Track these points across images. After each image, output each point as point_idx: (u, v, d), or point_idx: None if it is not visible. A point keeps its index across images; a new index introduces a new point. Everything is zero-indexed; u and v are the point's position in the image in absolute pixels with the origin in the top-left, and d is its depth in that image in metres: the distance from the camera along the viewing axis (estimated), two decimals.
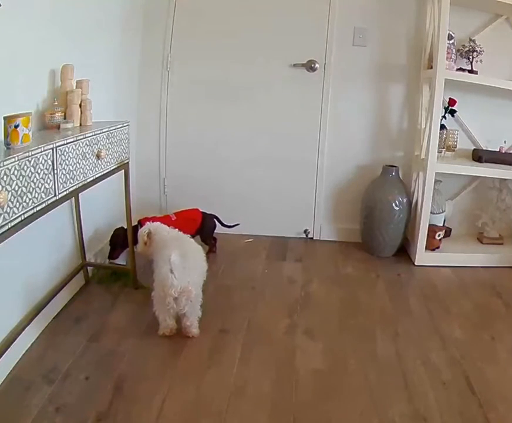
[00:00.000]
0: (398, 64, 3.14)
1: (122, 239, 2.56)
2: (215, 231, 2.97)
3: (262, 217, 3.33)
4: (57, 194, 1.64)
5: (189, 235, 2.29)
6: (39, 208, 1.52)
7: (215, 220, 2.94)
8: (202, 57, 3.16)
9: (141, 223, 2.57)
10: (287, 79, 3.16)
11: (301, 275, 2.79)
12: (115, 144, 2.13)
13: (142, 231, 2.23)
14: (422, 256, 2.97)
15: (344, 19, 3.08)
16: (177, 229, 2.30)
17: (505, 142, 3.11)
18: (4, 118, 1.46)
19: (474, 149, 3.14)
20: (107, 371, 1.84)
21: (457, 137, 3.08)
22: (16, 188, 1.38)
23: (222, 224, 2.99)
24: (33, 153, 1.47)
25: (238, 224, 3.07)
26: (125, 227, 2.52)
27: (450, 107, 3.00)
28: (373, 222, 3.05)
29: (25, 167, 1.43)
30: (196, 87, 3.20)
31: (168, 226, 2.30)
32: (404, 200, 3.00)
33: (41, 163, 1.52)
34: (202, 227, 2.86)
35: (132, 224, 2.46)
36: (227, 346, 2.04)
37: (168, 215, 2.77)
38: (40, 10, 1.89)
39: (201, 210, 2.87)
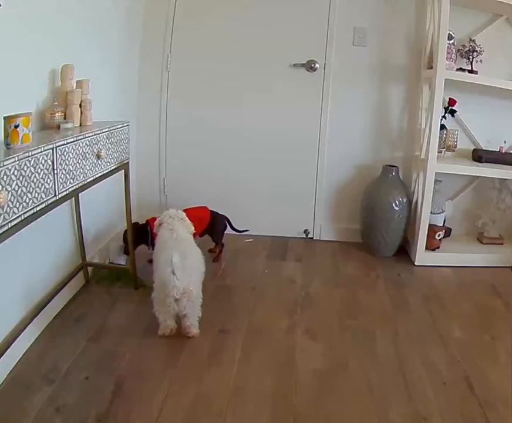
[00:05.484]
0: (398, 64, 3.14)
1: (136, 235, 2.54)
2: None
3: (262, 217, 3.33)
4: (57, 194, 1.64)
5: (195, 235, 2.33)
6: (38, 208, 1.52)
7: (225, 221, 2.89)
8: (202, 58, 3.16)
9: (149, 223, 2.58)
10: (287, 79, 3.16)
11: (301, 275, 2.79)
12: (115, 144, 2.13)
13: (159, 217, 2.31)
14: (422, 256, 2.97)
15: (344, 19, 3.09)
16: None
17: (505, 142, 3.11)
18: (5, 118, 1.46)
19: (474, 149, 3.14)
20: (107, 371, 1.84)
21: (457, 137, 3.09)
22: (16, 188, 1.38)
23: (232, 228, 2.95)
24: (33, 153, 1.47)
25: (247, 230, 3.04)
26: (139, 223, 2.65)
27: (450, 107, 3.00)
28: (373, 222, 3.05)
29: (25, 167, 1.43)
30: (196, 87, 3.20)
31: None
32: (404, 200, 3.00)
33: (41, 163, 1.52)
34: (212, 227, 2.81)
35: (132, 224, 2.46)
36: (227, 346, 2.04)
37: None
38: (40, 10, 1.89)
39: (210, 209, 2.84)
